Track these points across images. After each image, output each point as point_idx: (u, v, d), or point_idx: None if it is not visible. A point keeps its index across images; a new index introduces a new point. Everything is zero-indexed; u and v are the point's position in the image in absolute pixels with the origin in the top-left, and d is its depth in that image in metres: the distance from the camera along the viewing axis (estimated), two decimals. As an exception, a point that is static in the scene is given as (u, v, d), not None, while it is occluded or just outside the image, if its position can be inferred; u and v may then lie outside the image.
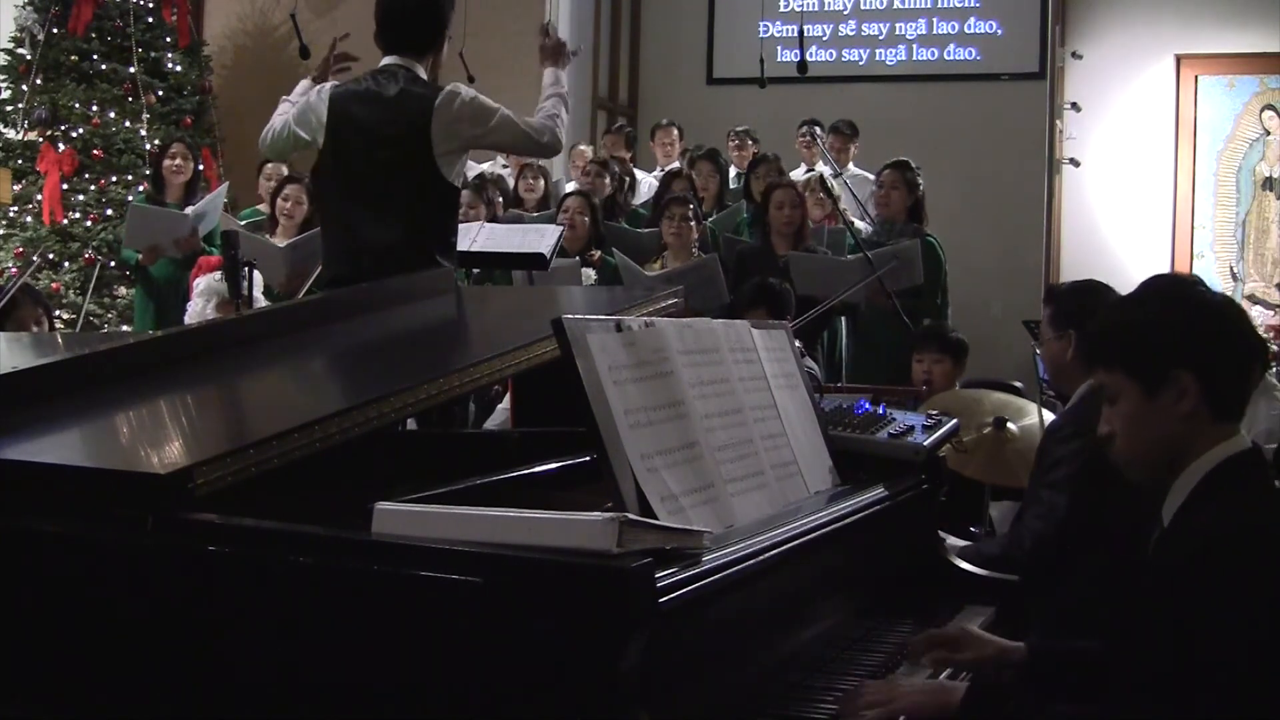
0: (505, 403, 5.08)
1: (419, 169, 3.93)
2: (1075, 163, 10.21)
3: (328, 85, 4.08)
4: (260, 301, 5.26)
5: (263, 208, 6.73)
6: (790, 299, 5.18)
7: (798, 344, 2.65)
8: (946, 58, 10.02)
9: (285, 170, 6.69)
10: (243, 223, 6.48)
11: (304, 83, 4.30)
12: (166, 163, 6.73)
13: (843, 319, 6.31)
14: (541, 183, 7.47)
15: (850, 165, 8.21)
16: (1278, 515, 2.00)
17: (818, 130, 8.39)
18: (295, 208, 6.07)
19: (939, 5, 10.04)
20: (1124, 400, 2.01)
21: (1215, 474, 1.98)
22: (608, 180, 7.35)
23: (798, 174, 8.02)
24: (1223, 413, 2.00)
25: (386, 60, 4.07)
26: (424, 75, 4.07)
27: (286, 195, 6.16)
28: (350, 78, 4.12)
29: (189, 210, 6.43)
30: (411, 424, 3.10)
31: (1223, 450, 1.98)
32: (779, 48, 9.57)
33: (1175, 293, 2.07)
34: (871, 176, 7.23)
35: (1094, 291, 3.37)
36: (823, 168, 8.00)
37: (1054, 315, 3.43)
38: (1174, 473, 2.02)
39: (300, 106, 4.13)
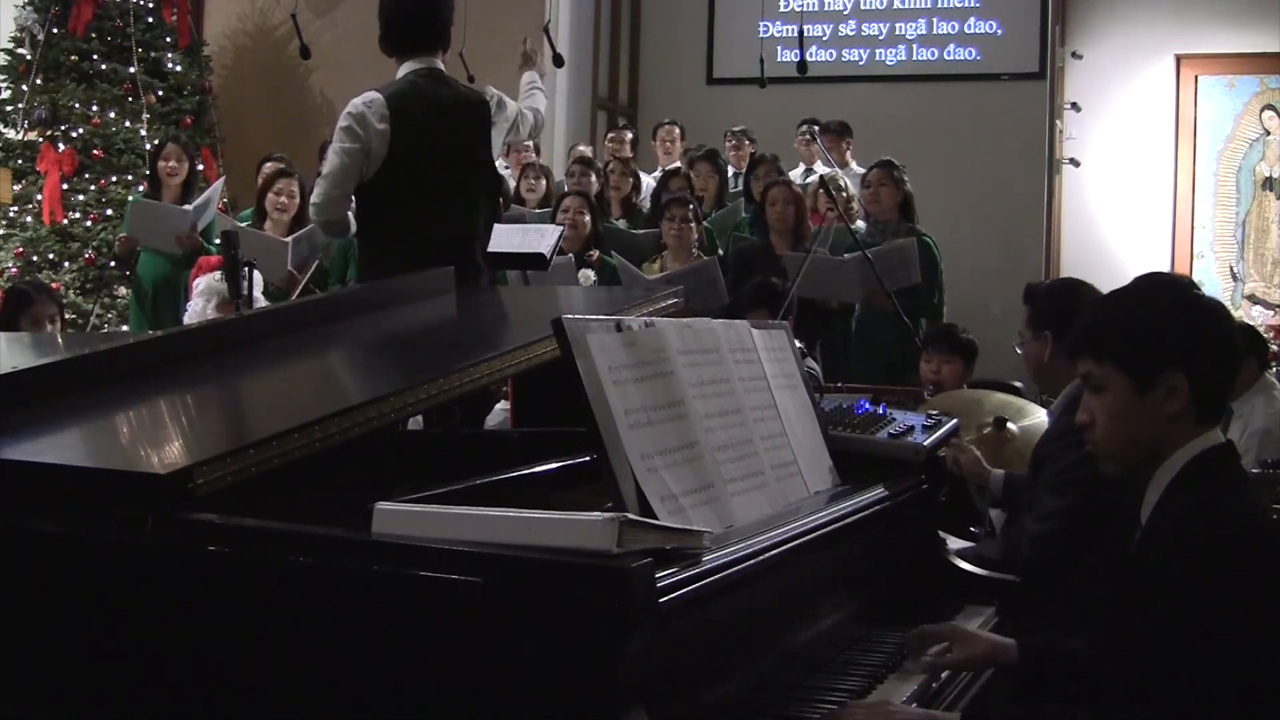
0: (505, 403, 5.08)
1: (483, 167, 4.24)
2: (1075, 163, 10.21)
3: (379, 97, 4.05)
4: (260, 301, 5.25)
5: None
6: (792, 301, 5.19)
7: (798, 344, 2.65)
8: (946, 58, 10.02)
9: (282, 166, 6.67)
10: (242, 223, 6.48)
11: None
12: (161, 164, 6.71)
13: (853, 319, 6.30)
14: (543, 183, 7.46)
15: (852, 164, 8.21)
16: (1250, 506, 2.01)
17: (817, 129, 8.39)
18: (289, 202, 6.04)
19: (939, 5, 10.04)
20: (1110, 393, 2.03)
21: (1189, 469, 2.00)
22: (593, 178, 7.35)
23: (796, 174, 8.02)
24: (1206, 414, 2.02)
25: (408, 66, 4.11)
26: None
27: (279, 189, 6.10)
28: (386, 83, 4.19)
29: (189, 206, 6.43)
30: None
31: (1196, 445, 2.01)
32: (779, 48, 9.57)
33: (1173, 294, 2.08)
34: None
35: (1072, 291, 3.38)
36: (823, 168, 8.00)
37: (1031, 315, 3.44)
38: (1152, 468, 2.03)
39: (347, 138, 4.04)
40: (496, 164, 4.37)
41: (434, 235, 4.01)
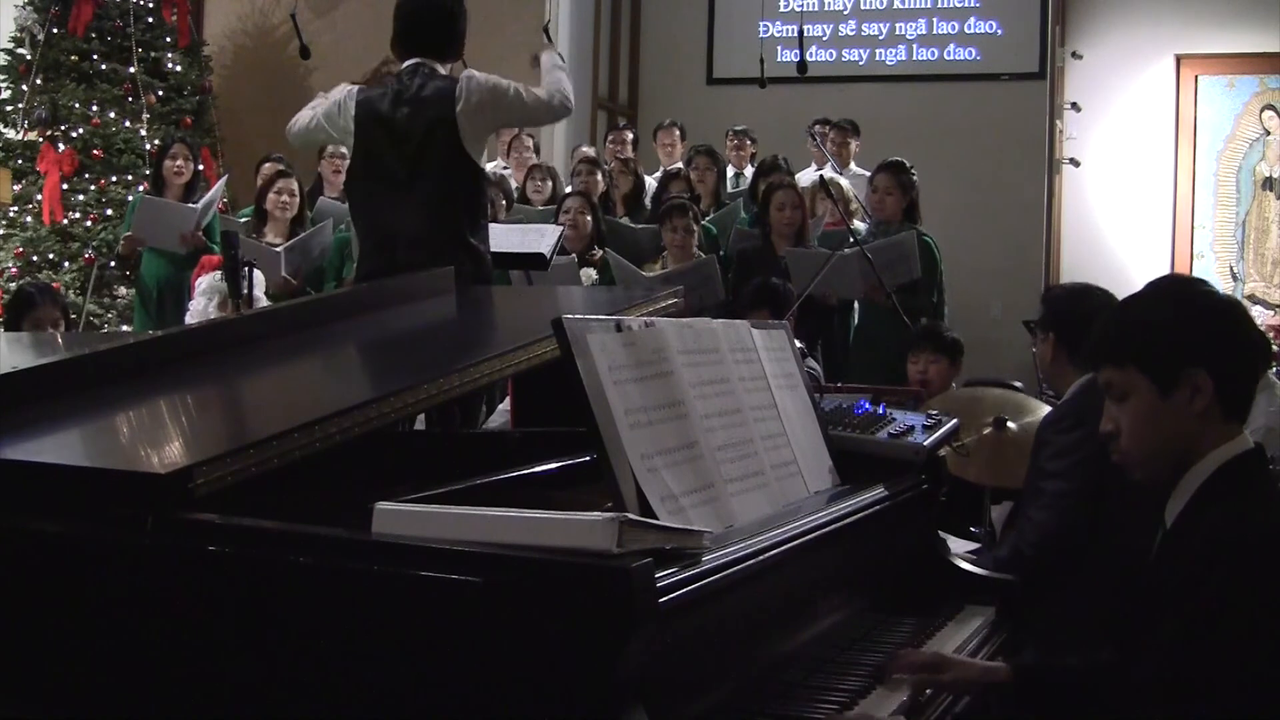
0: (505, 403, 5.08)
1: (448, 156, 4.18)
2: (1075, 163, 10.21)
3: (356, 88, 4.27)
4: (261, 301, 5.26)
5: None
6: (793, 300, 5.19)
7: (799, 344, 2.65)
8: (946, 58, 10.02)
9: (281, 167, 6.68)
10: (242, 221, 6.49)
11: (343, 85, 4.43)
12: (168, 164, 6.74)
13: (855, 314, 6.31)
14: (549, 184, 7.44)
15: (852, 165, 8.21)
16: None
17: (824, 130, 8.38)
18: (290, 200, 6.05)
19: (939, 5, 10.04)
20: (1135, 398, 2.00)
21: (1219, 475, 1.97)
22: (599, 178, 7.35)
23: (808, 173, 8.00)
24: (1232, 412, 2.00)
25: (408, 64, 4.26)
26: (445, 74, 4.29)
27: (279, 189, 6.12)
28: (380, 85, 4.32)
29: (194, 205, 6.44)
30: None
31: (1226, 451, 1.98)
32: (779, 48, 9.57)
33: (1187, 292, 2.06)
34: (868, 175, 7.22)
35: (1082, 295, 3.40)
36: (830, 172, 7.99)
37: (1040, 317, 3.47)
38: (1179, 472, 2.01)
39: (330, 104, 4.31)
40: (479, 146, 4.32)
41: (400, 228, 4.13)
